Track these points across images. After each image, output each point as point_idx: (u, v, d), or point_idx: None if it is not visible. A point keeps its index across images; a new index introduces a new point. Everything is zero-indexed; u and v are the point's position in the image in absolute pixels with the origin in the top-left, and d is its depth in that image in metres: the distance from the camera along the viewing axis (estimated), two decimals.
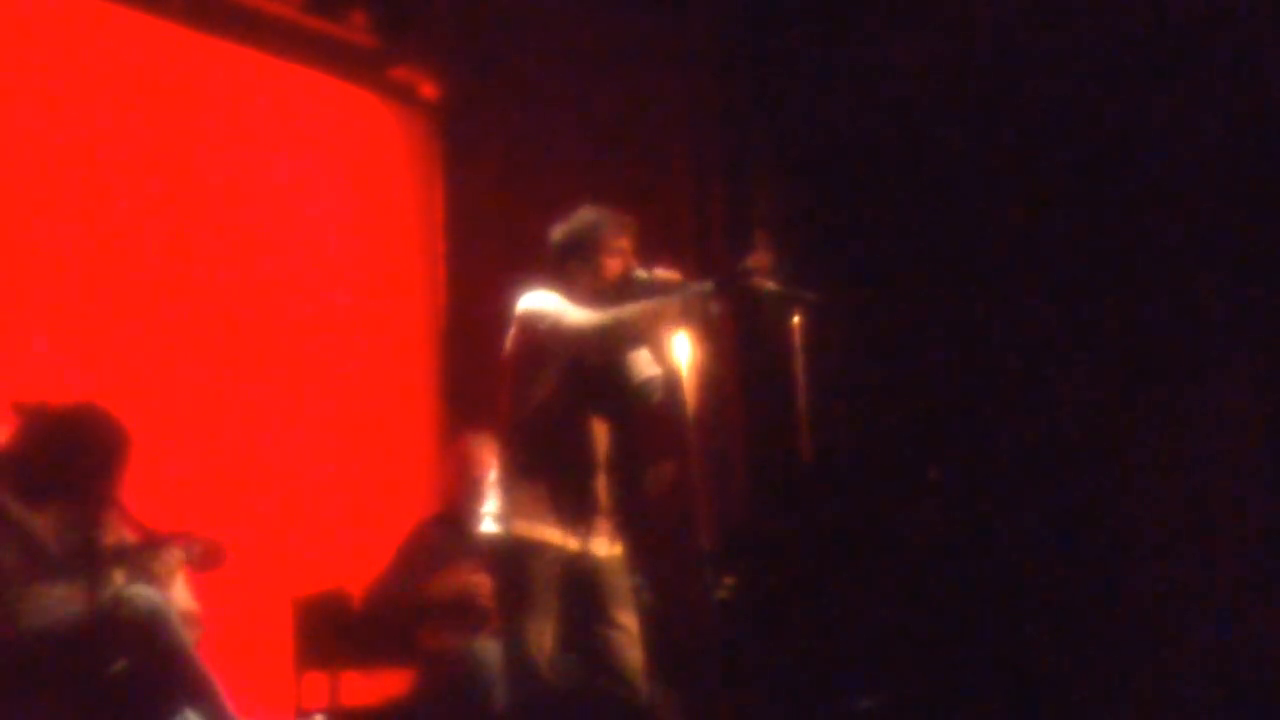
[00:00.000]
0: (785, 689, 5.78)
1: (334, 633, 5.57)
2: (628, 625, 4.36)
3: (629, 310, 4.32)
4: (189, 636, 4.61)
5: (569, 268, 4.47)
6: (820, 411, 4.53)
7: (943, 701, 5.86)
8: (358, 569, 5.81)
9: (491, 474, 5.51)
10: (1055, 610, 6.05)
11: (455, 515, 5.66)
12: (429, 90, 7.32)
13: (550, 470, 4.35)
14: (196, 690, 4.51)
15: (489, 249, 6.96)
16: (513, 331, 4.42)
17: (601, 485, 4.41)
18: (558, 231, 4.52)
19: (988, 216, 6.45)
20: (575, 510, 4.33)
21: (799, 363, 4.47)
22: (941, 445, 6.35)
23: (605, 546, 4.40)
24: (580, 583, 4.33)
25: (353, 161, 7.07)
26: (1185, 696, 5.83)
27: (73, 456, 4.68)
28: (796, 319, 4.48)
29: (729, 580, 4.59)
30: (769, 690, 5.73)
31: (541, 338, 4.32)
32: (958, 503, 6.24)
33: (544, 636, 4.24)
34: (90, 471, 4.70)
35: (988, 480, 6.26)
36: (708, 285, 4.33)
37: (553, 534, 4.30)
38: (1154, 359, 6.14)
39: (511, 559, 4.32)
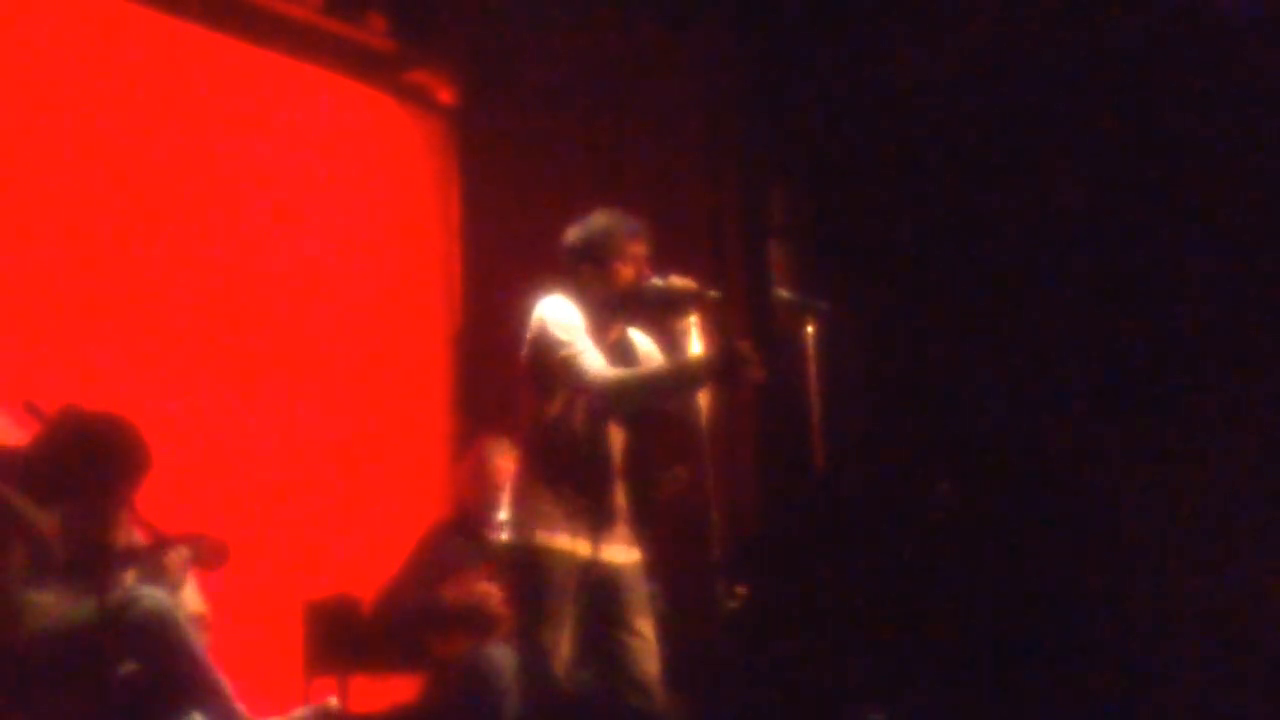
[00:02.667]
0: (795, 699, 5.76)
1: (344, 637, 5.57)
2: (645, 633, 4.33)
3: (645, 377, 4.29)
4: (198, 638, 4.61)
5: (581, 271, 4.42)
6: (832, 420, 4.52)
7: (952, 713, 5.85)
8: (369, 574, 5.81)
9: (509, 480, 5.54)
10: (1063, 622, 6.04)
11: (469, 521, 5.66)
12: (445, 94, 7.33)
13: (568, 476, 4.31)
14: (205, 692, 4.51)
15: (504, 252, 6.96)
16: (529, 338, 4.38)
17: (619, 490, 4.38)
18: (572, 234, 4.46)
19: (1000, 225, 6.45)
20: (593, 516, 4.30)
21: (812, 371, 4.46)
22: (953, 456, 6.34)
23: (624, 553, 4.37)
24: (599, 589, 4.29)
25: (368, 164, 7.07)
26: (1190, 712, 5.83)
27: (92, 465, 4.68)
28: (809, 327, 4.47)
29: (741, 590, 4.57)
30: (779, 700, 5.72)
31: (554, 365, 4.30)
32: (968, 514, 6.23)
33: (561, 645, 4.21)
34: (106, 482, 4.70)
35: (998, 492, 6.25)
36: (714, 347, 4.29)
37: (571, 541, 4.26)
38: (1162, 370, 6.13)
39: (530, 567, 4.29)
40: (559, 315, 4.33)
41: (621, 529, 4.37)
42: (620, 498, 4.38)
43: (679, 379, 4.28)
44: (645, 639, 4.33)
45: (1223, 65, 6.10)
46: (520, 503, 4.36)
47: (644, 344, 4.53)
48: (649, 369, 4.35)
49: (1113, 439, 6.17)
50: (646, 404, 4.35)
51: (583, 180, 6.46)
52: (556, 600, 4.23)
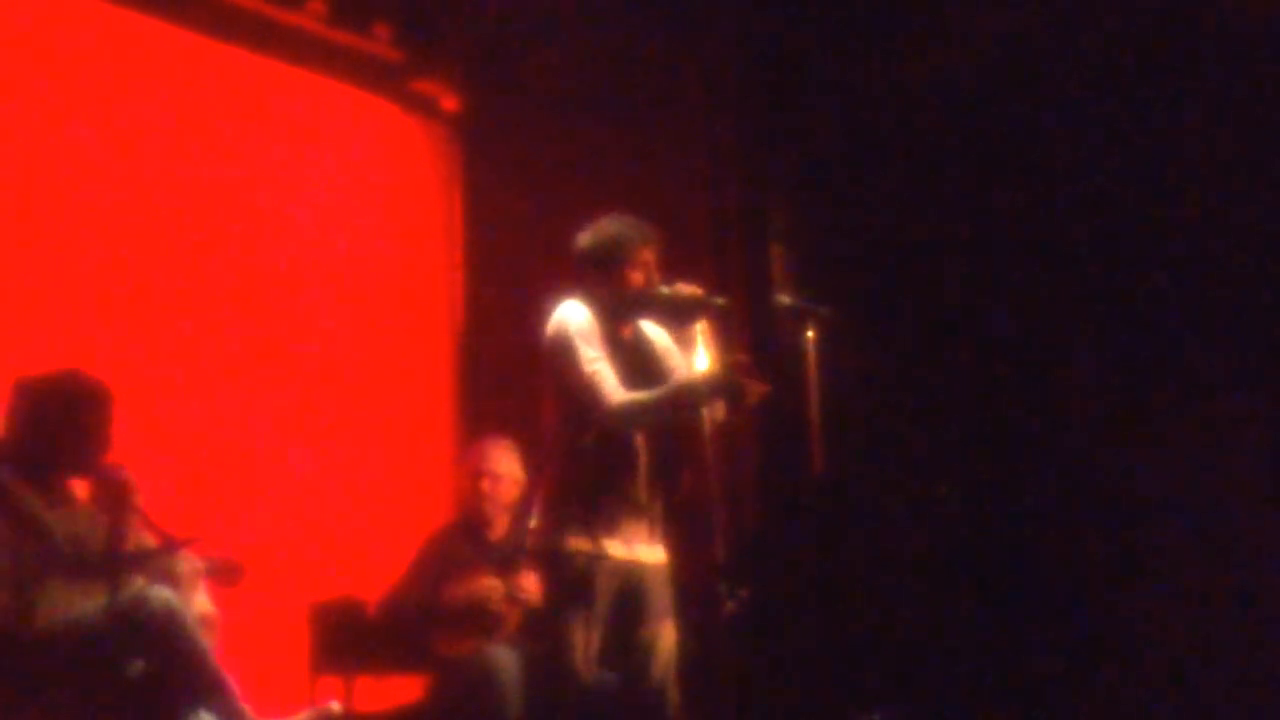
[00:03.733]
0: (796, 701, 5.80)
1: (349, 638, 5.61)
2: (666, 634, 4.39)
3: (651, 402, 4.31)
4: (205, 639, 4.64)
5: (590, 276, 4.46)
6: (832, 424, 4.56)
7: (952, 714, 5.88)
8: (374, 575, 5.86)
9: (508, 477, 5.60)
10: (1064, 624, 6.06)
11: (471, 523, 5.70)
12: (450, 102, 7.37)
13: (596, 477, 4.34)
14: (212, 691, 4.53)
15: (507, 259, 7.00)
16: (550, 344, 4.39)
17: (645, 490, 4.40)
18: (583, 237, 4.49)
19: (1003, 230, 6.47)
20: (622, 517, 4.33)
21: (812, 376, 4.50)
22: (952, 459, 6.37)
23: (650, 552, 4.40)
24: (626, 589, 4.34)
25: (374, 172, 7.12)
26: (1194, 711, 5.85)
27: (63, 410, 4.67)
28: (810, 332, 4.51)
29: (742, 592, 4.61)
30: (780, 702, 5.75)
31: (572, 387, 4.34)
32: (967, 517, 6.25)
33: (587, 645, 4.25)
34: (81, 424, 4.69)
35: (998, 495, 6.28)
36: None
37: (601, 542, 4.29)
38: (1167, 376, 6.15)
39: (561, 568, 4.32)
40: (581, 325, 4.36)
41: (648, 529, 4.41)
42: (647, 498, 4.41)
43: (684, 399, 4.32)
44: (665, 640, 4.38)
45: (1234, 66, 6.12)
46: (549, 505, 4.39)
47: (660, 338, 4.56)
48: (654, 393, 4.35)
49: (1116, 440, 6.19)
50: (654, 424, 4.38)
51: (586, 186, 6.49)
52: (586, 600, 4.27)
